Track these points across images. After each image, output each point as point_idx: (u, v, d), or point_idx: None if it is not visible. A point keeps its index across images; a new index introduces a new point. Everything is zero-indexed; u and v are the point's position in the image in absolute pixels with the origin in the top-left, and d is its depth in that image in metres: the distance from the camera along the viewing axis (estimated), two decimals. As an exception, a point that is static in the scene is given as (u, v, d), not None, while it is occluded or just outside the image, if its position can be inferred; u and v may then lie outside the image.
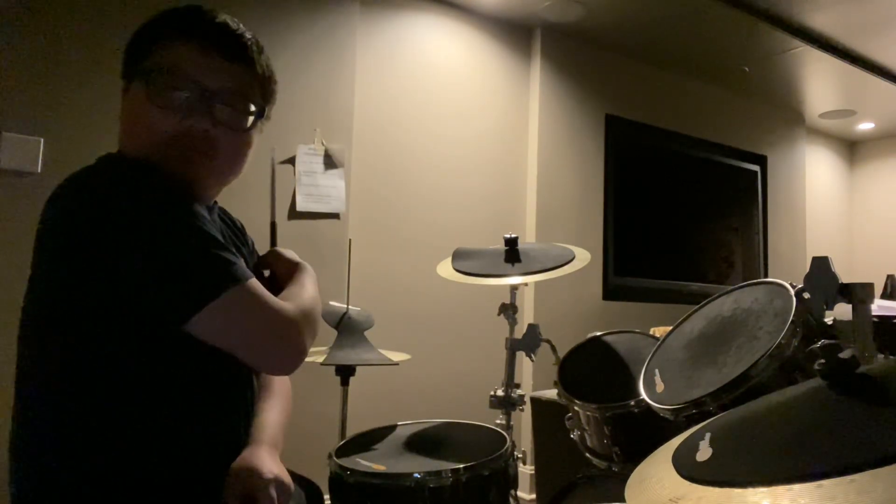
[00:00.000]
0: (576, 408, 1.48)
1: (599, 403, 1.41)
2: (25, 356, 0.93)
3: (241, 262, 0.91)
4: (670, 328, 1.31)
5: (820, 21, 3.38)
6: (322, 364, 1.65)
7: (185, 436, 0.93)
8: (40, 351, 0.91)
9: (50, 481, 0.88)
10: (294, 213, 2.58)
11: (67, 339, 0.88)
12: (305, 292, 1.02)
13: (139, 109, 0.95)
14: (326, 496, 1.28)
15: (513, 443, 1.33)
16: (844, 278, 1.07)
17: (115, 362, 0.88)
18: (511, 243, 1.76)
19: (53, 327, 0.89)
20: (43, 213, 0.92)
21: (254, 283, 0.90)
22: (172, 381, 0.91)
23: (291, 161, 2.60)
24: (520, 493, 2.44)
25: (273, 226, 1.37)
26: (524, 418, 3.01)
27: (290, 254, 1.17)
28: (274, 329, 0.90)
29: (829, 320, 1.08)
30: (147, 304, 0.85)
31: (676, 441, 0.73)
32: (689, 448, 0.68)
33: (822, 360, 0.63)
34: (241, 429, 1.03)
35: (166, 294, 0.85)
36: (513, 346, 1.77)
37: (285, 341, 0.91)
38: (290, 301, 0.96)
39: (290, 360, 0.93)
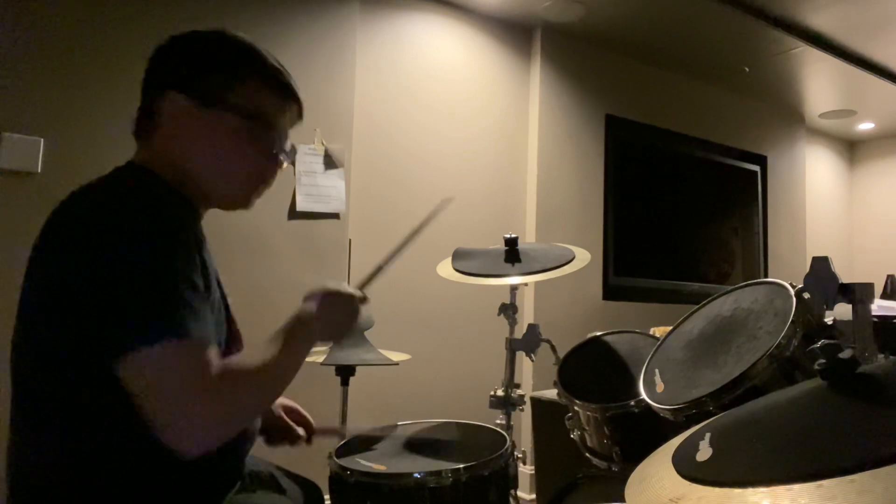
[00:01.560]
0: (576, 408, 1.48)
1: (599, 403, 1.41)
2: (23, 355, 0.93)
3: (204, 321, 0.86)
4: (670, 328, 1.31)
5: (820, 21, 3.38)
6: (322, 364, 1.65)
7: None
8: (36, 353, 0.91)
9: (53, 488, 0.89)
10: (294, 213, 2.58)
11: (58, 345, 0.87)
12: (267, 362, 0.92)
13: (213, 132, 1.00)
14: (326, 496, 1.28)
15: (513, 443, 1.33)
16: (844, 278, 1.07)
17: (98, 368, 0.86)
18: (511, 243, 1.76)
19: (45, 327, 0.89)
20: (57, 217, 0.95)
21: (196, 346, 0.83)
22: None
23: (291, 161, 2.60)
24: (520, 493, 2.44)
25: None
26: (524, 418, 3.01)
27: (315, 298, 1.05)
28: (179, 408, 0.81)
29: (829, 320, 1.08)
30: (92, 328, 0.84)
31: (676, 441, 0.73)
32: (689, 448, 0.68)
33: (822, 360, 0.63)
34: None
35: (110, 324, 0.83)
36: (513, 346, 1.77)
37: (183, 428, 0.81)
38: (231, 370, 0.87)
39: (182, 447, 0.81)
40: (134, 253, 0.84)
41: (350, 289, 1.10)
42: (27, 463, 0.91)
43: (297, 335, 0.97)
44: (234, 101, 1.00)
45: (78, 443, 0.88)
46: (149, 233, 0.86)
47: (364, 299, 1.13)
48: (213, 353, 0.85)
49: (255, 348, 0.94)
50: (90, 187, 0.96)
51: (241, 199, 1.06)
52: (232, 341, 1.05)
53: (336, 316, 1.05)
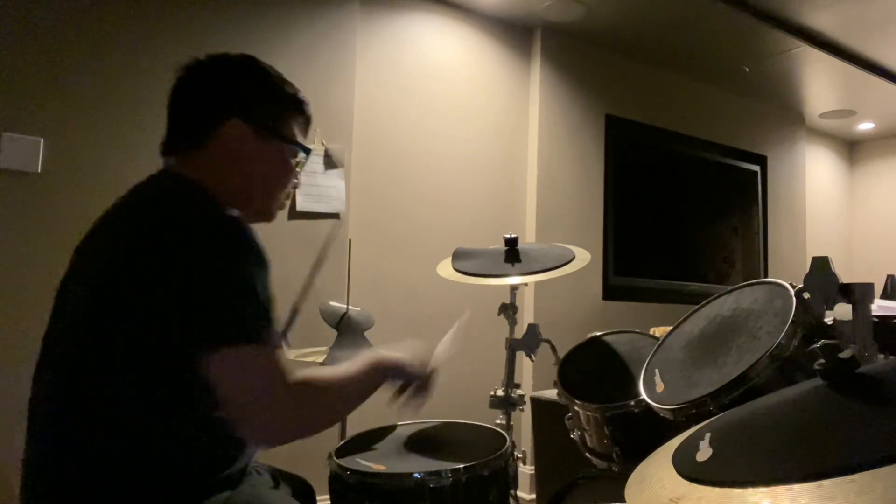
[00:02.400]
0: (576, 408, 1.48)
1: (599, 403, 1.41)
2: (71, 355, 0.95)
3: (273, 329, 0.95)
4: (670, 328, 1.31)
5: (820, 21, 3.38)
6: (322, 364, 1.65)
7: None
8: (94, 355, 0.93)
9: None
10: (294, 213, 2.58)
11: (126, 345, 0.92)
12: (335, 378, 1.05)
13: (268, 159, 1.13)
14: (327, 496, 1.28)
15: (513, 443, 1.33)
16: (844, 278, 1.07)
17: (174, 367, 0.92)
18: (511, 243, 1.76)
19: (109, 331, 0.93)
20: (129, 224, 1.00)
21: (275, 351, 0.93)
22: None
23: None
24: (520, 493, 2.44)
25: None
26: (524, 418, 3.01)
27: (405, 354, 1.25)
28: (263, 399, 0.91)
29: (829, 320, 1.08)
30: (185, 327, 0.91)
31: (676, 441, 0.73)
32: (689, 448, 0.68)
33: (822, 360, 0.63)
34: None
35: (200, 323, 0.90)
36: (513, 346, 1.77)
37: (266, 415, 0.91)
38: (307, 382, 0.97)
39: (264, 439, 0.95)
40: (234, 261, 0.93)
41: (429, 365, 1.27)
42: (63, 461, 0.93)
43: (376, 372, 1.15)
44: (282, 131, 1.14)
45: (134, 439, 0.92)
46: (253, 250, 0.95)
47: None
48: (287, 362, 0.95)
49: (338, 367, 1.07)
50: (162, 194, 1.03)
51: (271, 213, 1.19)
52: None
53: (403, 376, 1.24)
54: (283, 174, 1.16)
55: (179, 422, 0.94)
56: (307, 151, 1.19)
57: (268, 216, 1.18)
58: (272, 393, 0.91)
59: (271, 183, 1.15)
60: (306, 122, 1.20)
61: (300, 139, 1.17)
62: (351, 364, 1.09)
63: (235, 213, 0.99)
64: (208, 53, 1.13)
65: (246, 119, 1.09)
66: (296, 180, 1.21)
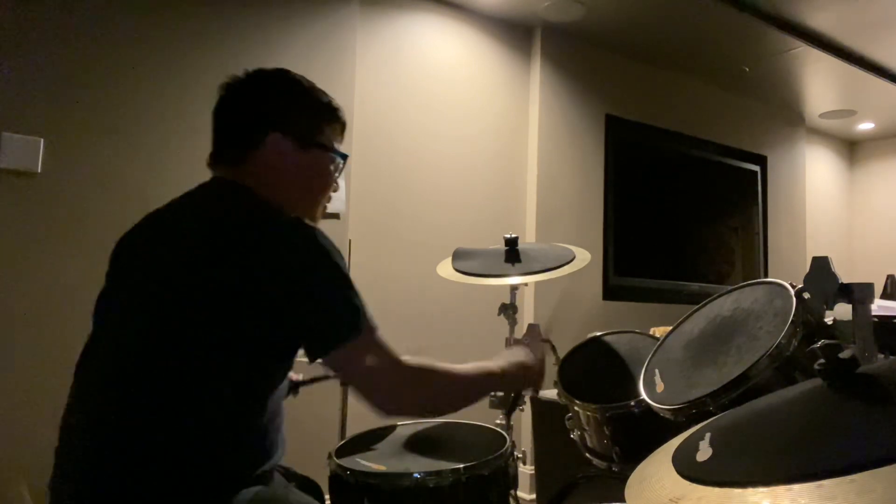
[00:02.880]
0: (576, 408, 1.48)
1: (599, 403, 1.41)
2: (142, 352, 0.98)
3: (370, 313, 1.04)
4: (670, 328, 1.31)
5: (820, 21, 3.38)
6: (322, 364, 1.65)
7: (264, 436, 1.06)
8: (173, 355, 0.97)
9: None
10: (294, 213, 2.58)
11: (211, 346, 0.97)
12: (457, 371, 1.15)
13: (310, 168, 1.20)
14: (326, 496, 1.28)
15: (513, 443, 1.33)
16: (844, 278, 1.07)
17: (243, 372, 0.99)
18: (511, 243, 1.76)
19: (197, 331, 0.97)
20: (210, 228, 1.04)
21: (378, 334, 1.04)
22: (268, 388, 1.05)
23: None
24: (520, 493, 2.44)
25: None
26: (524, 418, 3.01)
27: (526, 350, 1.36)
28: (383, 379, 1.03)
29: (829, 320, 1.08)
30: (294, 334, 1.00)
31: (676, 441, 0.73)
32: (689, 448, 0.68)
33: (822, 360, 0.63)
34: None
35: (317, 329, 1.00)
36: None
37: (387, 392, 1.04)
38: (426, 367, 1.08)
39: (386, 408, 1.05)
40: (327, 258, 1.01)
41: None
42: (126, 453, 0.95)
43: (500, 373, 1.23)
44: (321, 141, 1.20)
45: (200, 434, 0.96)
46: (333, 247, 1.02)
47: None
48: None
49: (464, 364, 1.17)
50: (240, 201, 1.08)
51: (315, 217, 1.25)
52: None
53: (530, 378, 1.33)
54: (324, 181, 1.22)
55: (238, 423, 0.99)
56: (344, 157, 1.24)
57: (312, 220, 1.23)
58: (392, 372, 1.03)
59: (314, 190, 1.22)
60: (342, 127, 1.26)
61: (337, 144, 1.24)
62: (473, 365, 1.19)
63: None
64: (245, 70, 1.20)
65: (285, 132, 1.15)
66: (336, 184, 1.26)
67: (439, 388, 1.12)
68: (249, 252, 0.97)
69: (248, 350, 0.98)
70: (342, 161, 1.24)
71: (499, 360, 1.27)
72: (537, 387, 1.36)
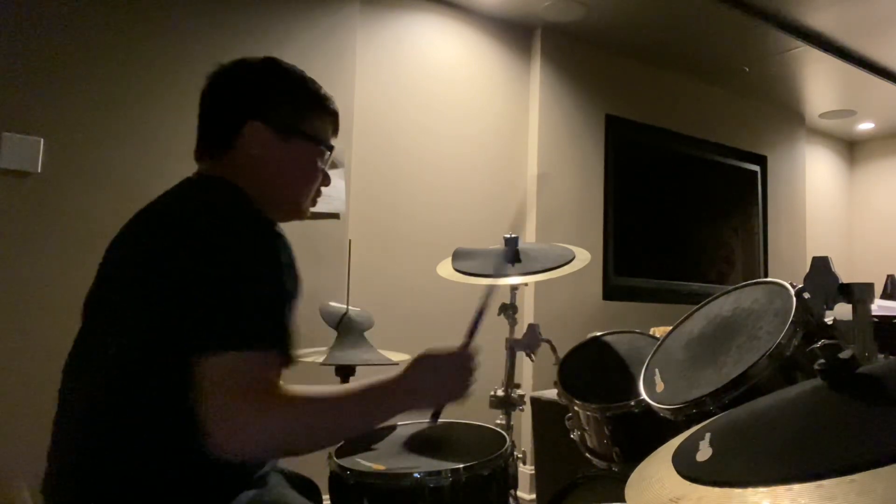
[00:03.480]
0: (576, 408, 1.48)
1: (599, 403, 1.41)
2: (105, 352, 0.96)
3: (292, 343, 0.92)
4: (670, 328, 1.31)
5: (820, 21, 3.38)
6: (322, 364, 1.65)
7: None
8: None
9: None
10: (294, 213, 2.58)
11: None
12: (339, 401, 0.99)
13: (291, 158, 1.14)
14: (326, 496, 1.28)
15: (513, 443, 1.33)
16: (844, 278, 1.07)
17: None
18: (511, 243, 1.76)
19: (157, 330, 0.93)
20: (158, 230, 1.00)
21: (275, 364, 0.90)
22: None
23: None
24: (520, 493, 2.44)
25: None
26: (524, 418, 3.01)
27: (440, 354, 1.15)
28: (234, 417, 0.85)
29: (829, 320, 1.08)
30: (188, 325, 0.90)
31: (676, 441, 0.73)
32: (689, 448, 0.68)
33: (822, 360, 0.63)
34: None
35: (210, 323, 0.89)
36: (513, 346, 1.77)
37: (231, 436, 0.85)
38: (302, 408, 0.92)
39: (223, 452, 0.86)
40: (258, 264, 0.93)
41: (457, 349, 1.16)
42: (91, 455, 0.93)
43: (381, 398, 1.03)
44: (304, 130, 1.15)
45: (149, 438, 0.92)
46: (273, 248, 0.95)
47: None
48: (282, 378, 0.92)
49: (337, 390, 1.00)
50: (199, 194, 1.05)
51: (303, 211, 1.20)
52: None
53: (444, 380, 1.13)
54: (309, 173, 1.17)
55: None
56: (330, 148, 1.19)
57: (300, 214, 1.20)
58: (258, 405, 0.86)
59: (299, 182, 1.17)
60: (333, 118, 1.21)
61: (328, 136, 1.19)
62: (362, 384, 1.02)
63: (266, 216, 1.00)
64: (232, 60, 1.15)
65: (265, 120, 1.10)
66: (326, 178, 1.22)
67: (313, 425, 0.94)
68: (202, 245, 0.93)
69: (170, 353, 0.91)
70: (328, 152, 1.19)
71: (395, 372, 1.08)
72: (456, 397, 1.15)
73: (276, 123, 1.11)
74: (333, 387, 1.01)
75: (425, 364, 1.11)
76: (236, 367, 0.87)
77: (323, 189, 1.25)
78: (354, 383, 1.03)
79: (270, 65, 1.16)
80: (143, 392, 0.93)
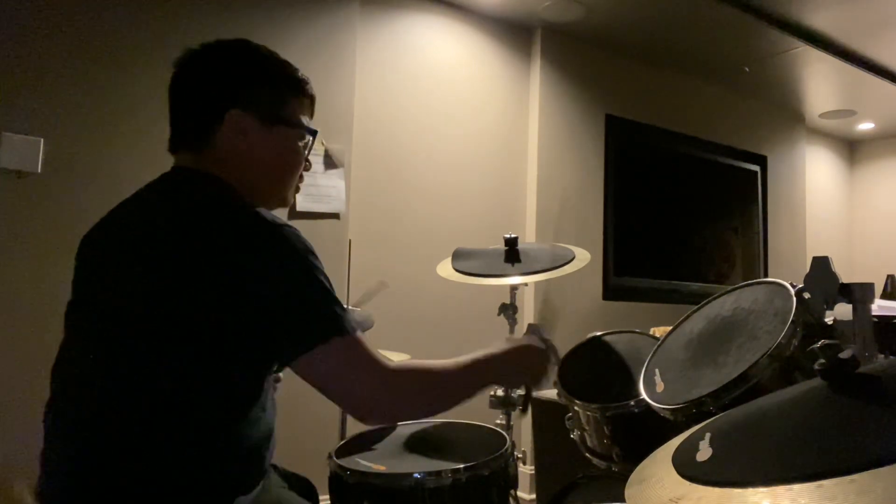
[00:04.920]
0: (576, 408, 1.48)
1: (599, 403, 1.41)
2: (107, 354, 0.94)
3: (350, 315, 0.97)
4: (670, 328, 1.31)
5: (820, 21, 3.38)
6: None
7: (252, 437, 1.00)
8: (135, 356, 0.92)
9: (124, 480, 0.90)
10: (294, 213, 2.58)
11: (177, 350, 0.91)
12: (445, 367, 1.08)
13: (275, 146, 1.11)
14: (326, 496, 1.28)
15: (513, 443, 1.33)
16: (844, 278, 1.07)
17: (214, 376, 0.93)
18: (511, 243, 1.76)
19: (160, 336, 0.91)
20: (161, 225, 0.98)
21: (359, 336, 0.96)
22: (254, 393, 1.00)
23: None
24: (520, 493, 2.44)
25: None
26: (524, 418, 3.01)
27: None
28: (367, 386, 0.96)
29: (829, 320, 1.08)
30: (264, 335, 0.92)
31: (676, 441, 0.73)
32: (689, 448, 0.68)
33: (822, 360, 0.63)
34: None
35: (285, 330, 0.93)
36: (513, 346, 1.77)
37: (374, 401, 0.97)
38: (409, 367, 1.02)
39: (372, 417, 1.00)
40: (309, 263, 0.95)
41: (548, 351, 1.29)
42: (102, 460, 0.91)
43: (491, 365, 1.16)
44: (285, 115, 1.11)
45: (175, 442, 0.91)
46: (305, 246, 0.96)
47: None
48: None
49: (446, 361, 1.09)
50: (200, 195, 1.01)
51: (287, 199, 1.18)
52: None
53: (531, 367, 1.26)
54: (293, 160, 1.14)
55: (232, 427, 0.95)
56: (313, 133, 1.16)
57: (284, 202, 1.17)
58: (373, 378, 0.95)
59: (282, 169, 1.13)
60: (311, 101, 1.17)
61: (306, 121, 1.15)
62: (467, 356, 1.12)
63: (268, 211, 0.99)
64: (202, 43, 1.09)
65: (246, 107, 1.06)
66: (307, 163, 1.18)
67: (426, 389, 1.05)
68: (218, 254, 0.91)
69: (224, 355, 0.92)
70: (311, 137, 1.16)
71: (497, 347, 1.19)
72: (539, 380, 1.29)
73: (258, 111, 1.07)
74: (446, 361, 1.09)
75: (530, 350, 1.24)
76: (347, 348, 0.93)
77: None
78: (466, 358, 1.12)
79: (246, 48, 1.11)
80: (138, 399, 0.90)
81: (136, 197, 1.06)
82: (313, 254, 0.97)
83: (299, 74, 1.14)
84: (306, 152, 1.17)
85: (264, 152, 1.09)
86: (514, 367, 1.23)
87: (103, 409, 0.92)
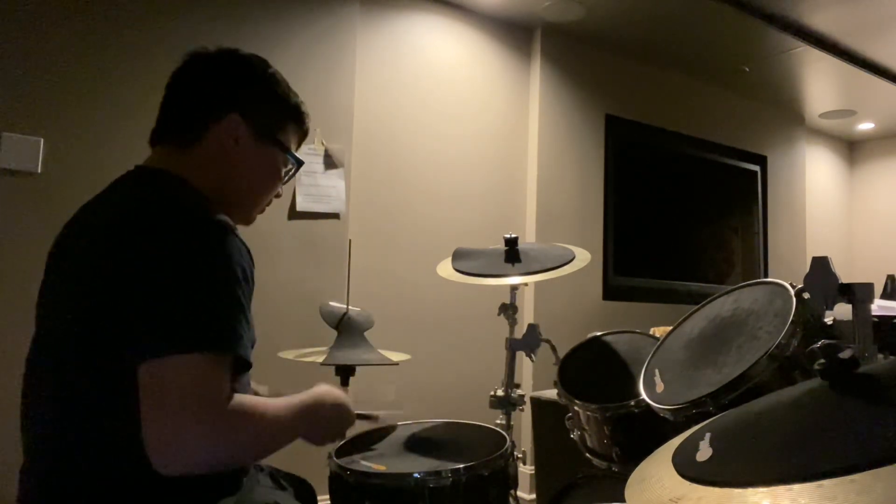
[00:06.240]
0: (576, 408, 1.48)
1: (599, 403, 1.41)
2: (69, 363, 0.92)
3: (246, 349, 0.89)
4: (670, 328, 1.31)
5: (820, 21, 3.38)
6: (322, 364, 1.65)
7: None
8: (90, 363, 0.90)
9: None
10: (294, 214, 2.58)
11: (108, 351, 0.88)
12: (280, 413, 0.96)
13: (260, 163, 1.12)
14: (326, 496, 1.28)
15: (513, 443, 1.33)
16: (844, 278, 1.07)
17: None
18: (511, 243, 1.76)
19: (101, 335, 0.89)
20: (117, 220, 0.95)
21: (223, 373, 0.85)
22: None
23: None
24: (520, 493, 2.44)
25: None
26: (524, 418, 3.01)
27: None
28: (179, 427, 0.81)
29: (829, 320, 1.08)
30: (128, 322, 0.85)
31: (676, 441, 0.73)
32: (689, 448, 0.68)
33: (822, 360, 0.63)
34: None
35: (158, 325, 0.84)
36: (513, 346, 1.77)
37: (175, 448, 0.81)
38: (249, 416, 0.88)
39: (165, 466, 0.82)
40: (205, 263, 0.89)
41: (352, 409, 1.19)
42: (62, 460, 0.91)
43: (306, 414, 1.04)
44: (278, 137, 1.13)
45: (113, 441, 0.88)
46: (238, 257, 0.91)
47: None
48: (234, 385, 0.87)
49: (275, 401, 0.97)
50: (146, 192, 0.99)
51: (250, 219, 1.17)
52: None
53: (332, 425, 1.14)
54: (270, 181, 1.15)
55: None
56: (299, 164, 1.18)
57: (247, 220, 1.16)
58: (210, 411, 0.82)
59: (259, 186, 1.14)
60: (303, 135, 1.20)
61: (295, 150, 1.17)
62: (290, 399, 1.02)
63: (223, 217, 0.95)
64: (217, 46, 1.12)
65: (246, 116, 1.07)
66: (279, 190, 1.18)
67: (256, 434, 0.91)
68: (144, 245, 0.88)
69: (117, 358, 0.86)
70: (295, 167, 1.17)
71: (310, 396, 1.07)
72: (336, 438, 1.18)
73: (256, 124, 1.09)
74: (271, 400, 0.98)
75: (328, 400, 1.12)
76: (179, 374, 0.81)
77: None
78: (285, 398, 1.01)
79: (261, 63, 1.14)
80: (106, 400, 0.88)
81: (100, 196, 1.05)
82: (243, 269, 0.91)
83: (304, 108, 1.17)
84: (285, 179, 1.18)
85: (248, 165, 1.09)
86: (318, 425, 1.10)
87: (72, 411, 0.91)
